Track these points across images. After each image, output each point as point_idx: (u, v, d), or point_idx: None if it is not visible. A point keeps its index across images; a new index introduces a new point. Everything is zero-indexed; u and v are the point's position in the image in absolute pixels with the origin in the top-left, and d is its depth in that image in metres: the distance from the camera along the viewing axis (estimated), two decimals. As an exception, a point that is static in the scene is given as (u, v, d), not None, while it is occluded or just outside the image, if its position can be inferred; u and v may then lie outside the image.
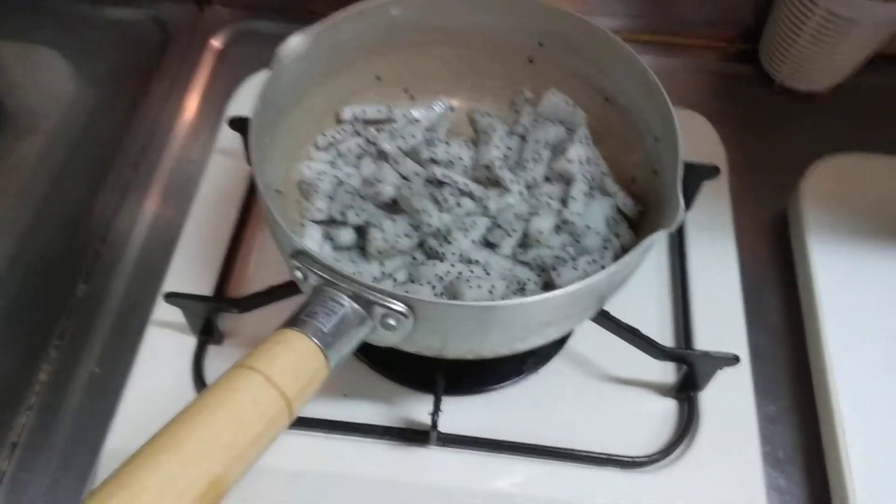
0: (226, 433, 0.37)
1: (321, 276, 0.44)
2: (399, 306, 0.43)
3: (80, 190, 0.70)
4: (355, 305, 0.44)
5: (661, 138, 0.52)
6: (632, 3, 0.81)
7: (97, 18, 0.75)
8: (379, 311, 0.44)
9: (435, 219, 0.54)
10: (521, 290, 0.53)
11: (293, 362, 0.41)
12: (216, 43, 0.83)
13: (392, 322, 0.44)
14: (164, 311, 0.60)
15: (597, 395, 0.59)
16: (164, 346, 0.60)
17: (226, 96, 0.74)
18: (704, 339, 0.60)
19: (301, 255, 0.45)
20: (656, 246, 0.65)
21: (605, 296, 0.49)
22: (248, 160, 0.49)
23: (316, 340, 0.42)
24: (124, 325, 0.64)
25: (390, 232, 0.54)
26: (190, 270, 0.64)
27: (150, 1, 0.81)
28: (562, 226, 0.55)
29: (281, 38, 0.54)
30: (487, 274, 0.53)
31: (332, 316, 0.43)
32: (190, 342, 0.60)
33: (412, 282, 0.53)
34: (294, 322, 0.42)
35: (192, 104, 0.79)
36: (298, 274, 0.45)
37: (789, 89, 0.77)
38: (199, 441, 0.36)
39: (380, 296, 0.43)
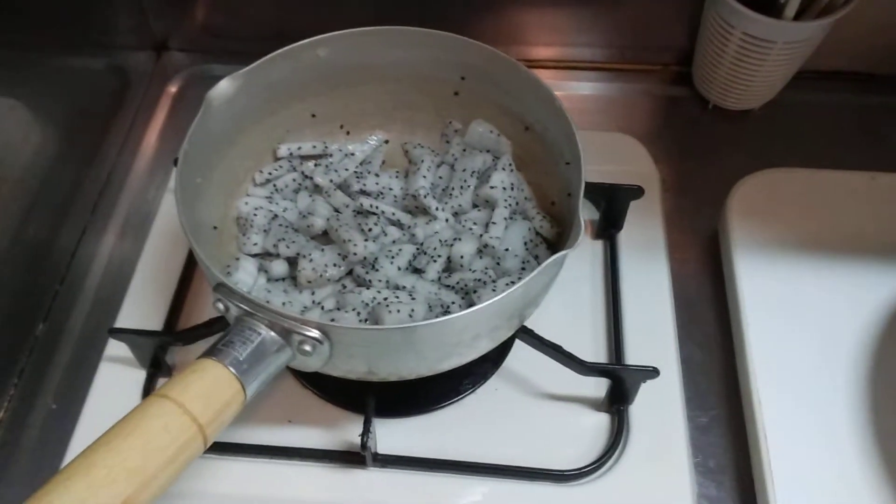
0: (135, 458, 0.39)
1: (239, 307, 0.47)
2: (313, 332, 0.46)
3: (41, 233, 0.73)
4: (272, 333, 0.46)
5: (571, 162, 0.54)
6: (572, 32, 0.83)
7: (57, 68, 0.78)
8: (296, 338, 0.46)
9: (361, 248, 0.56)
10: (446, 312, 0.55)
11: (206, 389, 0.43)
12: (173, 88, 0.87)
13: (308, 348, 0.46)
14: (116, 347, 0.63)
15: (534, 412, 0.61)
16: (116, 380, 0.63)
17: (181, 138, 0.77)
18: (636, 354, 0.62)
19: (221, 287, 0.47)
20: (590, 264, 0.68)
21: (518, 314, 0.51)
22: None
23: (231, 368, 0.44)
24: (80, 361, 0.67)
25: (319, 262, 0.56)
26: (142, 306, 0.66)
27: (109, 49, 0.85)
28: (483, 250, 0.58)
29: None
30: (413, 298, 0.55)
31: (249, 344, 0.45)
32: (140, 376, 0.63)
33: (339, 309, 0.55)
34: (211, 352, 0.45)
35: (149, 147, 0.82)
36: (220, 306, 0.48)
37: (722, 109, 0.80)
38: (108, 466, 0.38)
39: (294, 323, 0.46)
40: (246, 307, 0.46)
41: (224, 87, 0.57)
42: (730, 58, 0.73)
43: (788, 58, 0.71)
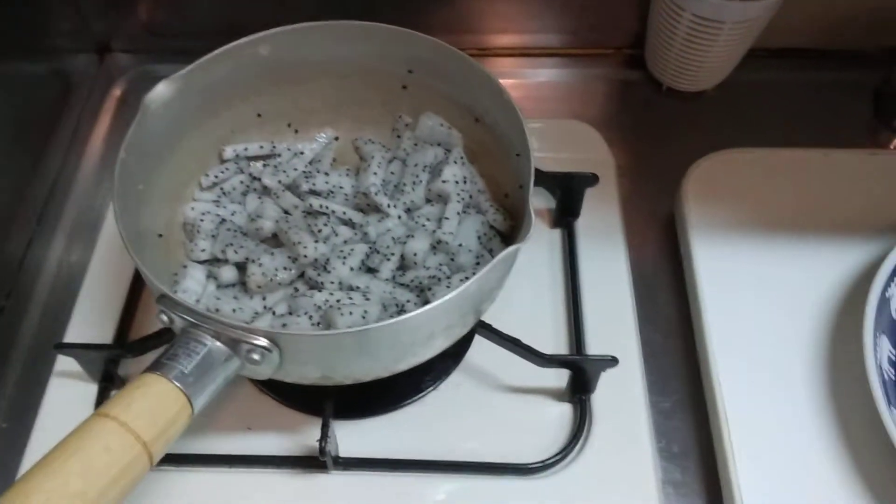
0: (76, 482, 0.37)
1: (183, 318, 0.45)
2: (261, 341, 0.45)
3: (-15, 246, 0.71)
4: (218, 344, 0.45)
5: (521, 153, 0.54)
6: (524, 19, 0.82)
7: (-3, 75, 0.76)
8: (243, 347, 0.45)
9: (311, 249, 0.55)
10: (401, 311, 0.54)
11: (150, 406, 0.42)
12: (117, 90, 0.84)
13: (256, 357, 0.45)
14: (66, 362, 0.61)
15: (496, 406, 0.60)
16: (68, 396, 0.61)
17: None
18: (596, 342, 0.62)
19: (164, 299, 0.46)
20: (548, 253, 0.68)
21: (473, 310, 0.50)
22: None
23: (176, 382, 0.43)
24: (30, 377, 0.65)
25: (269, 266, 0.55)
26: (92, 317, 0.65)
27: (48, 53, 0.82)
28: (437, 246, 0.57)
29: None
30: (367, 299, 0.54)
31: (194, 356, 0.44)
32: (93, 390, 0.61)
33: (291, 314, 0.54)
34: (155, 366, 0.44)
35: (94, 152, 0.80)
36: (164, 318, 0.46)
37: (676, 91, 0.79)
38: (47, 491, 0.37)
39: (240, 332, 0.44)
40: (190, 318, 0.45)
41: (161, 91, 0.55)
42: (680, 40, 0.72)
43: (739, 37, 0.71)
